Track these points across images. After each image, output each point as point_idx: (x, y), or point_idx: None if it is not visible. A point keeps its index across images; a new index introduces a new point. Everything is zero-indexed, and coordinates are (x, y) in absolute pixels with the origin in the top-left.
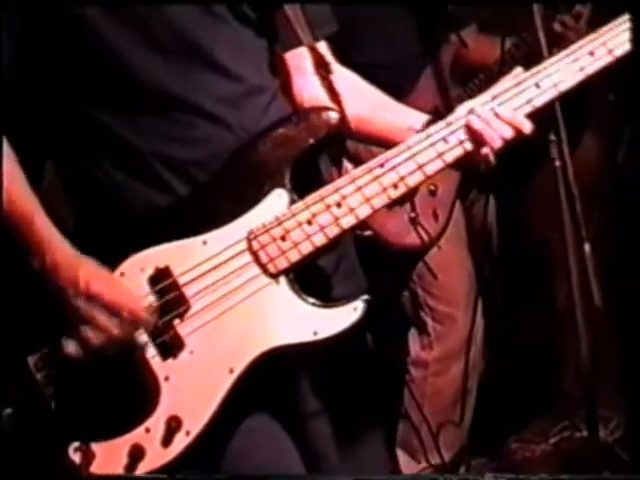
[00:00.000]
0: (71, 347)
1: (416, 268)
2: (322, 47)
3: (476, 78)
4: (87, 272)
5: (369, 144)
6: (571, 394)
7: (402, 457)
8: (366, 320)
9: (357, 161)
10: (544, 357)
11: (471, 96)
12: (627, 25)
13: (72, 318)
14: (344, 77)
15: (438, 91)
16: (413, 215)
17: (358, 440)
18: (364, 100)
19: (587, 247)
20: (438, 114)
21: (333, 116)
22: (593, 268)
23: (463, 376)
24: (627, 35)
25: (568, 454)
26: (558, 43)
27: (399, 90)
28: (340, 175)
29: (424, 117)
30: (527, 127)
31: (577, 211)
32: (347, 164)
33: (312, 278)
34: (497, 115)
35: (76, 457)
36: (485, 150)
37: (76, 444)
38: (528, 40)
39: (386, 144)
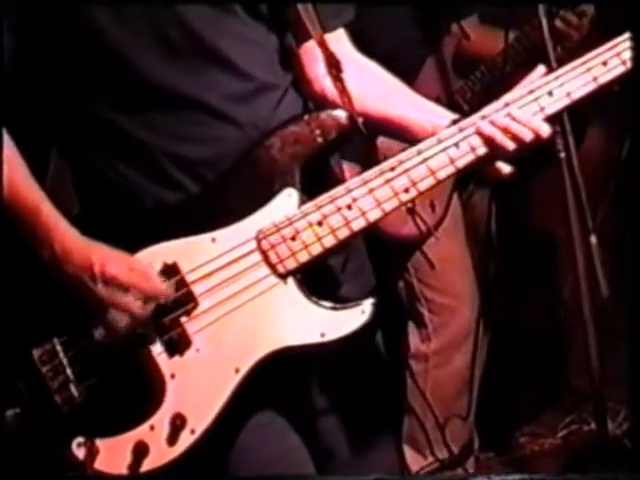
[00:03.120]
0: (99, 332)
1: (412, 259)
2: (335, 39)
3: (478, 70)
4: (100, 255)
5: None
6: (579, 387)
7: (409, 453)
8: (375, 321)
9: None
10: (551, 350)
11: (473, 88)
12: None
13: (94, 303)
14: (364, 69)
15: (440, 82)
16: (410, 205)
17: (368, 437)
18: (384, 94)
19: (593, 239)
20: (439, 104)
21: (344, 116)
22: (599, 260)
23: (467, 368)
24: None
25: (577, 448)
26: (560, 40)
27: (401, 80)
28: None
29: (450, 115)
30: (545, 131)
31: (583, 203)
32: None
33: (320, 276)
34: (514, 119)
35: (80, 452)
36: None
37: (80, 439)
38: (530, 34)
39: (409, 140)
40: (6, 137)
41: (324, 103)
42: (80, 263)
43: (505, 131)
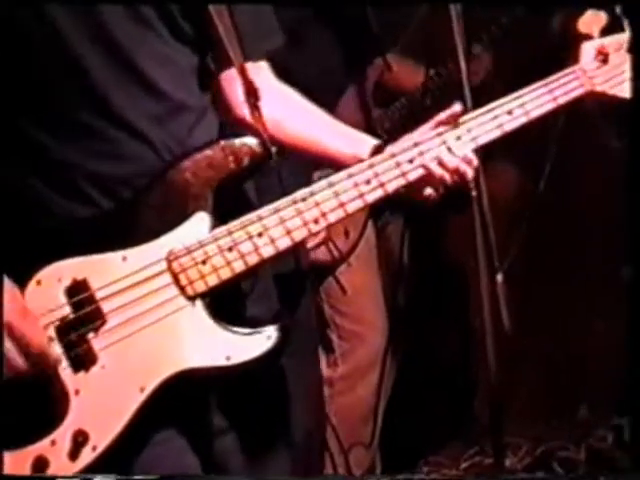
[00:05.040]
0: None
1: (324, 285)
2: (256, 67)
3: (398, 101)
4: (1, 297)
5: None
6: (482, 420)
7: None
8: (281, 346)
9: None
10: (460, 380)
11: (392, 118)
12: (543, 90)
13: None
14: (285, 97)
15: (359, 110)
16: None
17: (264, 458)
18: (307, 122)
19: (499, 277)
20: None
21: (257, 144)
22: (504, 297)
23: (372, 396)
24: (544, 99)
25: None
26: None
27: (320, 106)
28: None
29: (372, 142)
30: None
31: (491, 241)
32: None
33: (227, 299)
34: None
35: None
36: (428, 191)
37: None
38: (450, 70)
39: (332, 166)
40: None
41: (244, 128)
42: None
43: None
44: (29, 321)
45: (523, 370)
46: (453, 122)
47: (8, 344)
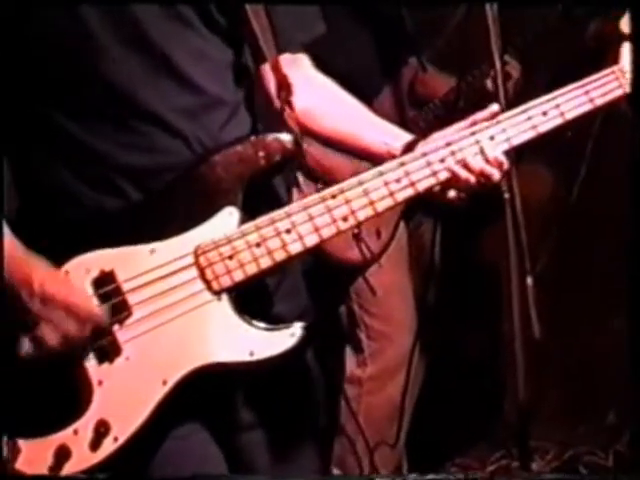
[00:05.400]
0: (26, 346)
1: (354, 285)
2: (292, 59)
3: (432, 102)
4: (40, 273)
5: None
6: (510, 423)
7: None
8: (305, 344)
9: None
10: (487, 383)
11: (426, 118)
12: (580, 91)
13: (27, 318)
14: (322, 88)
15: (395, 109)
16: (356, 231)
17: (290, 455)
18: (343, 113)
19: (529, 280)
20: None
21: (289, 141)
22: (534, 301)
23: (400, 396)
24: (580, 100)
25: None
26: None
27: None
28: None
29: (405, 137)
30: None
31: (523, 244)
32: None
33: (254, 295)
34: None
35: (2, 452)
36: (452, 194)
37: (3, 438)
38: (483, 73)
39: (365, 158)
40: None
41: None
42: (20, 277)
43: (479, 173)
44: (72, 291)
45: (552, 374)
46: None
47: (56, 315)
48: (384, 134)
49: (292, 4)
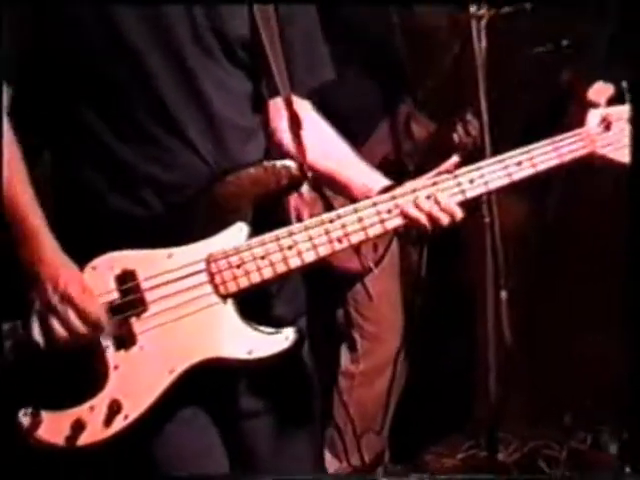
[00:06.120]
0: (37, 332)
1: (352, 290)
2: (298, 101)
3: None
4: (68, 275)
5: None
6: (479, 418)
7: (327, 456)
8: (298, 346)
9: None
10: (461, 383)
11: (421, 152)
12: (551, 147)
13: (44, 308)
14: (320, 130)
15: (391, 143)
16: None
17: (291, 441)
18: (332, 154)
19: (504, 294)
20: (387, 162)
21: (295, 168)
22: (507, 313)
23: (387, 391)
24: (551, 155)
25: (471, 470)
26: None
27: (354, 139)
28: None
29: (383, 182)
30: (459, 215)
31: (499, 263)
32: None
33: (256, 299)
34: (437, 202)
35: (25, 421)
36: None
37: (27, 409)
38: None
39: (346, 196)
40: (9, 137)
41: (280, 152)
42: (49, 274)
43: (427, 215)
44: (90, 297)
45: (518, 378)
46: (451, 172)
47: (71, 313)
48: (366, 177)
49: (299, 3)
